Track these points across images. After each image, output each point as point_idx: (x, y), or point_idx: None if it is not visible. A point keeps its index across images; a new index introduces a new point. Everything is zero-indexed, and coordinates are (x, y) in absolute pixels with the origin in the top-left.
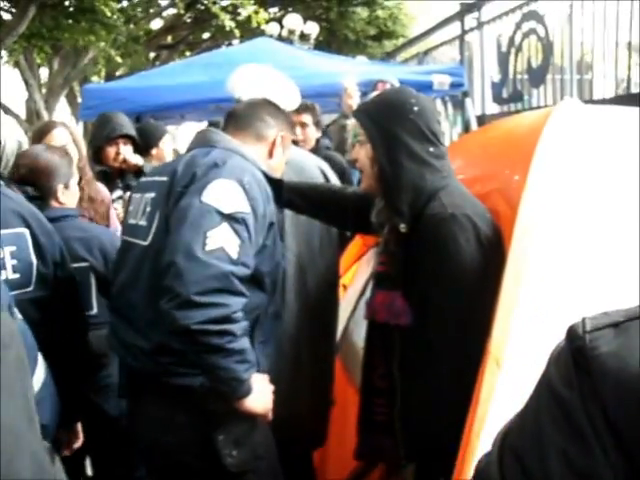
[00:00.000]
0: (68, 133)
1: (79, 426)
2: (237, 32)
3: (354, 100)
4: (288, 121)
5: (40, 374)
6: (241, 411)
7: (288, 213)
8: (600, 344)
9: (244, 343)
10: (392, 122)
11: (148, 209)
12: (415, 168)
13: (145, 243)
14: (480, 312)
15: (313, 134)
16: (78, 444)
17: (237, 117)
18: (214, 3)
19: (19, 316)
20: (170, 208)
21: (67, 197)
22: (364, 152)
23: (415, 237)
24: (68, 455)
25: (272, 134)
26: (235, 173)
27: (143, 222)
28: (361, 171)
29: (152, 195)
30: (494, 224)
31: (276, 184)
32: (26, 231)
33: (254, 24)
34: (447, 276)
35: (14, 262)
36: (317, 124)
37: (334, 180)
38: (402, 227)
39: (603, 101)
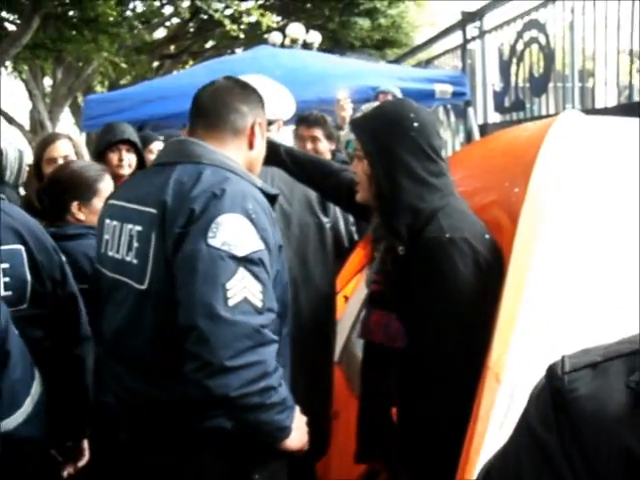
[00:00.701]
0: (71, 145)
1: (85, 444)
2: (242, 35)
3: (347, 112)
4: (261, 103)
5: (37, 389)
6: (279, 449)
7: (278, 227)
8: (578, 386)
9: (283, 391)
10: (391, 139)
11: (136, 244)
12: (414, 188)
13: (142, 287)
14: (479, 336)
15: (325, 147)
16: (83, 462)
17: (206, 112)
18: (216, 11)
19: (15, 332)
20: (169, 251)
21: (86, 215)
22: (361, 167)
23: (412, 259)
24: (72, 474)
25: (249, 123)
26: (237, 203)
27: (132, 259)
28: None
29: (138, 228)
30: (494, 245)
31: (271, 198)
32: (22, 248)
33: (264, 27)
34: (444, 301)
35: (6, 279)
36: (329, 137)
37: None
38: (400, 250)
39: (605, 110)
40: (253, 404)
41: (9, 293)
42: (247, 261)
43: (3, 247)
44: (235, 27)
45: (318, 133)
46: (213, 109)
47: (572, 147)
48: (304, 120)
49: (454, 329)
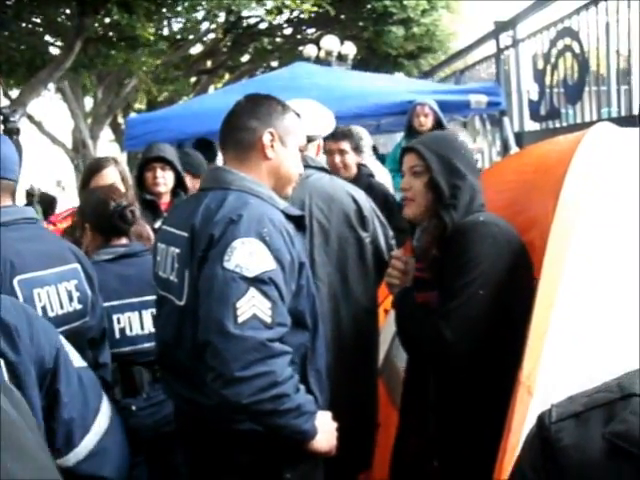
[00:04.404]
0: (118, 172)
1: None
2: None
3: None
4: (276, 113)
5: (102, 424)
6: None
7: (317, 242)
8: (563, 436)
9: (299, 398)
10: (451, 154)
11: (176, 265)
12: (469, 191)
13: (181, 303)
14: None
15: (353, 160)
16: None
17: (223, 138)
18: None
19: (75, 368)
20: (195, 272)
21: None
22: (419, 182)
23: (450, 241)
24: None
25: (258, 136)
26: (252, 227)
27: (174, 278)
28: (411, 200)
29: (177, 251)
30: (523, 245)
31: (297, 219)
32: (78, 266)
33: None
34: (471, 264)
35: (78, 294)
36: (356, 149)
37: (365, 204)
38: (448, 231)
39: None
40: (266, 410)
41: (81, 306)
42: (257, 281)
43: (69, 266)
44: (271, 17)
45: (345, 146)
46: (226, 134)
47: (602, 162)
48: (331, 134)
49: (478, 296)
